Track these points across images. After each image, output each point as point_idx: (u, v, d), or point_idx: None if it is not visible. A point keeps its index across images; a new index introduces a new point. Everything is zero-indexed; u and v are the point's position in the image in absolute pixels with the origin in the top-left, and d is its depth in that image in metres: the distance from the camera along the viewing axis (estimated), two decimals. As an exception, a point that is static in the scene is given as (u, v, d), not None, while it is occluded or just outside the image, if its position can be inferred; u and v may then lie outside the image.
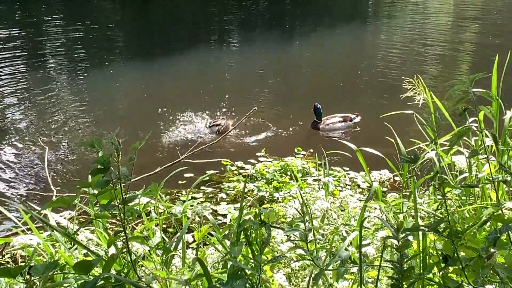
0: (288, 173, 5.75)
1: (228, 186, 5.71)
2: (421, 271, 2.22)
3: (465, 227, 2.36)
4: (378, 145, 4.96)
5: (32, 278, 1.74)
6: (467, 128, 2.26)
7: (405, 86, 4.70)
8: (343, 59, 12.48)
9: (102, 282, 1.74)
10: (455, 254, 1.74)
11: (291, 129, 7.91)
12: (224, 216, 4.98)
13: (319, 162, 5.55)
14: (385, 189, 4.55)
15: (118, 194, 1.87)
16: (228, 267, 2.34)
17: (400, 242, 1.84)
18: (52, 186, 5.52)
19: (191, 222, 3.35)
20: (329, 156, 5.15)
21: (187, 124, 8.03)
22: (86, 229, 3.35)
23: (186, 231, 3.06)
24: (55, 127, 8.10)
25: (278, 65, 11.89)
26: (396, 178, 5.12)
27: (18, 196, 5.94)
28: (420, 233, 2.47)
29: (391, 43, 13.89)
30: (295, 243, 2.51)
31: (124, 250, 2.08)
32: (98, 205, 1.87)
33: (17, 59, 12.08)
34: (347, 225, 3.52)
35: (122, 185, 1.86)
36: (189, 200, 3.99)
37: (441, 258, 1.79)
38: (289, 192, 5.25)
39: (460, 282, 1.74)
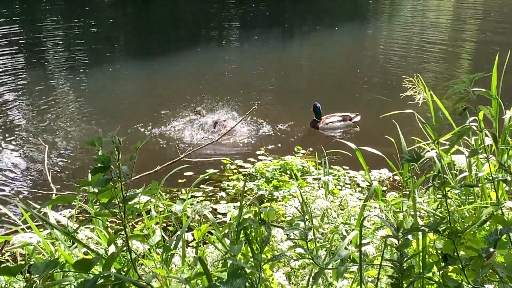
0: (288, 172, 5.76)
1: (228, 185, 5.71)
2: (421, 270, 2.22)
3: (465, 226, 2.36)
4: (378, 144, 4.96)
5: (32, 276, 1.74)
6: (467, 127, 2.27)
7: (405, 85, 4.70)
8: (343, 58, 12.48)
9: (102, 280, 1.74)
10: (455, 254, 1.74)
11: (291, 128, 7.91)
12: (224, 214, 4.99)
13: (319, 161, 5.55)
14: (384, 188, 4.56)
15: (118, 193, 1.87)
16: (228, 265, 2.34)
17: (400, 241, 1.84)
18: (51, 184, 5.52)
19: (191, 221, 3.35)
20: (329, 155, 5.15)
21: (186, 123, 8.03)
22: (86, 228, 3.35)
23: (186, 229, 3.06)
24: (54, 125, 8.10)
25: (278, 64, 11.88)
26: (396, 177, 5.13)
27: (18, 195, 5.94)
28: (420, 232, 2.47)
29: (391, 42, 13.89)
30: (295, 242, 2.51)
31: (124, 248, 2.09)
32: (98, 203, 1.87)
33: (16, 57, 12.08)
34: (346, 224, 3.53)
35: (123, 183, 1.86)
36: (189, 199, 3.99)
37: (441, 257, 1.79)
38: (288, 191, 5.25)
39: (459, 281, 1.74)
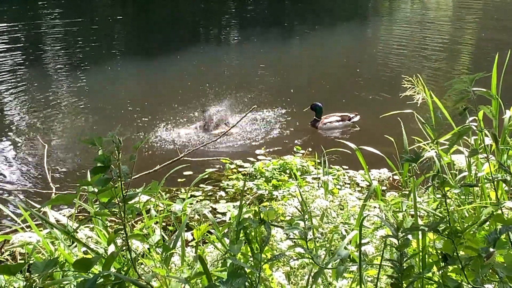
0: (287, 171, 5.76)
1: (228, 184, 5.71)
2: (421, 270, 2.22)
3: (465, 226, 2.36)
4: (378, 144, 4.96)
5: (32, 275, 1.74)
6: (467, 127, 2.27)
7: (404, 85, 4.70)
8: (342, 58, 12.48)
9: (102, 280, 1.74)
10: (455, 254, 1.74)
11: (290, 127, 7.91)
12: (224, 214, 4.99)
13: (318, 161, 5.55)
14: (384, 188, 4.56)
15: (118, 192, 1.87)
16: (228, 265, 2.34)
17: (399, 241, 1.84)
18: (51, 184, 5.52)
19: (190, 220, 3.35)
20: (328, 154, 5.15)
21: (186, 122, 8.03)
22: (85, 227, 3.35)
23: (186, 229, 3.05)
24: (54, 124, 8.10)
25: (277, 63, 11.88)
26: (395, 177, 5.13)
27: (18, 194, 5.94)
28: (420, 232, 2.47)
29: (391, 41, 13.89)
30: (294, 241, 2.51)
31: (124, 248, 2.09)
32: (97, 202, 1.88)
33: (15, 56, 12.07)
34: (346, 224, 3.53)
35: (122, 183, 1.86)
36: (188, 198, 3.99)
37: (440, 257, 1.79)
38: (288, 191, 5.25)
39: (459, 281, 1.74)
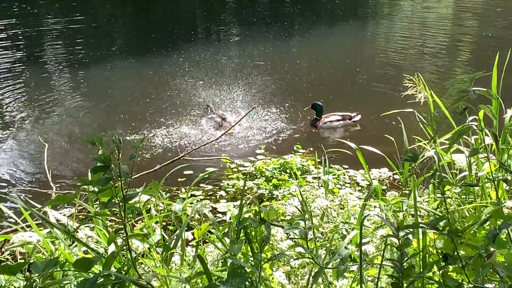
0: (288, 171, 5.76)
1: (228, 184, 5.71)
2: (421, 270, 2.22)
3: (465, 226, 2.36)
4: (378, 143, 4.96)
5: (32, 275, 1.74)
6: (467, 126, 2.26)
7: (405, 83, 4.70)
8: (343, 57, 12.47)
9: (102, 279, 1.74)
10: (455, 253, 1.74)
11: (290, 126, 7.91)
12: (224, 213, 4.99)
13: (319, 160, 5.55)
14: (384, 187, 4.56)
15: (118, 192, 1.87)
16: (228, 265, 2.34)
17: (400, 241, 1.84)
18: (51, 183, 5.52)
19: (191, 220, 3.34)
20: (329, 154, 5.15)
21: (186, 122, 8.03)
22: (86, 227, 3.35)
23: (186, 229, 3.05)
24: (54, 124, 8.10)
25: (278, 63, 11.87)
26: (396, 177, 5.12)
27: (18, 193, 5.94)
28: (420, 231, 2.47)
29: (391, 40, 13.89)
30: (294, 241, 2.51)
31: (124, 247, 2.08)
32: (98, 202, 1.87)
33: (15, 55, 12.08)
34: (346, 223, 3.52)
35: (123, 182, 1.86)
36: (189, 198, 3.99)
37: (441, 256, 1.79)
38: (288, 190, 5.25)
39: (460, 281, 1.74)
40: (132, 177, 1.90)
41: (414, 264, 2.27)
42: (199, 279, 2.47)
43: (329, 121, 7.90)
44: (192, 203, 3.70)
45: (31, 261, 2.88)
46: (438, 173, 2.47)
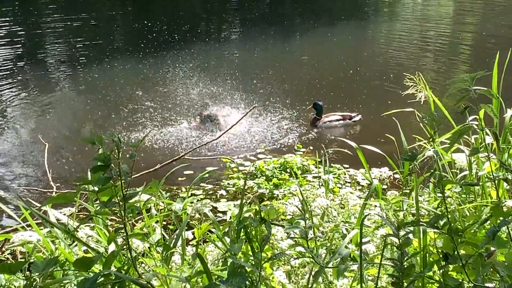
0: (288, 170, 5.76)
1: (228, 183, 5.71)
2: (422, 269, 2.22)
3: (466, 225, 2.35)
4: (378, 142, 4.97)
5: (32, 274, 1.74)
6: (468, 126, 2.26)
7: (406, 82, 4.70)
8: (343, 57, 12.46)
9: (102, 279, 1.74)
10: (456, 252, 1.74)
11: (291, 126, 7.91)
12: (224, 213, 4.99)
13: (319, 159, 5.55)
14: (384, 186, 4.55)
15: (118, 191, 1.87)
16: (228, 264, 2.34)
17: (400, 240, 1.84)
18: (52, 183, 5.52)
19: (191, 219, 3.34)
20: (329, 153, 5.15)
21: (187, 121, 8.03)
22: (86, 226, 3.35)
23: (186, 228, 3.05)
24: (54, 123, 8.10)
25: (278, 62, 11.87)
26: (396, 176, 5.12)
27: (18, 193, 5.94)
28: (421, 231, 2.47)
29: (391, 39, 13.88)
30: (295, 240, 2.51)
31: (124, 247, 2.08)
32: (98, 201, 1.87)
33: (15, 54, 12.08)
34: (347, 223, 3.52)
35: (123, 182, 1.86)
36: (189, 197, 3.99)
37: (441, 256, 1.79)
38: (289, 189, 5.25)
39: (460, 280, 1.74)
40: (132, 177, 1.90)
41: (415, 264, 2.27)
42: (199, 278, 2.47)
43: (328, 121, 7.90)
44: (192, 202, 3.70)
45: (31, 260, 2.88)
46: (438, 172, 2.47)
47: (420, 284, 2.22)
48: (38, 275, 1.72)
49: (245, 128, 7.82)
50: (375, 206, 3.76)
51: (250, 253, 2.16)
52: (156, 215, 3.41)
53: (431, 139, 2.85)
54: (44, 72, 11.01)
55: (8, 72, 10.63)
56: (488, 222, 2.59)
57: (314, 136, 7.63)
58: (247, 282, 1.90)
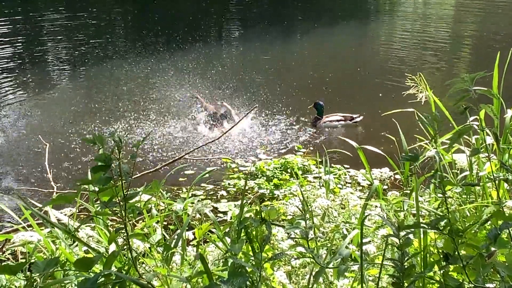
0: (289, 170, 5.76)
1: (229, 184, 5.71)
2: (422, 270, 2.22)
3: (466, 225, 2.35)
4: (379, 143, 4.96)
5: (33, 275, 1.74)
6: (468, 126, 2.26)
7: (407, 83, 4.69)
8: (343, 57, 12.47)
9: (103, 279, 1.74)
10: (456, 253, 1.74)
11: (291, 126, 7.91)
12: (225, 213, 4.99)
13: (320, 160, 5.55)
14: (385, 187, 4.55)
15: (119, 191, 1.87)
16: (229, 264, 2.34)
17: (401, 240, 1.84)
18: (52, 183, 5.52)
19: (192, 220, 3.34)
20: (330, 153, 5.15)
21: (187, 121, 8.03)
22: (86, 226, 3.35)
23: (187, 228, 3.05)
24: (55, 123, 8.10)
25: (278, 62, 11.88)
26: (397, 176, 5.12)
27: (19, 193, 5.94)
28: (421, 231, 2.47)
29: (392, 39, 13.87)
30: (295, 240, 2.51)
31: (125, 247, 2.09)
32: (98, 202, 1.88)
33: (15, 54, 12.08)
34: (347, 223, 3.52)
35: (123, 182, 1.86)
36: (189, 197, 3.99)
37: (442, 256, 1.79)
38: (289, 190, 5.25)
39: (461, 280, 1.74)
40: (133, 177, 1.90)
41: (415, 264, 2.27)
42: (200, 278, 2.47)
43: (329, 121, 7.89)
44: (193, 202, 3.70)
45: (32, 260, 2.88)
46: (439, 172, 2.46)
47: (420, 285, 2.22)
48: (38, 275, 1.72)
49: (245, 128, 7.82)
50: (376, 206, 3.76)
51: (251, 253, 2.16)
52: (156, 215, 3.41)
53: (433, 140, 2.85)
54: (44, 72, 11.01)
55: (8, 72, 10.64)
56: (489, 222, 2.59)
57: (315, 136, 7.63)
58: (248, 282, 1.90)
